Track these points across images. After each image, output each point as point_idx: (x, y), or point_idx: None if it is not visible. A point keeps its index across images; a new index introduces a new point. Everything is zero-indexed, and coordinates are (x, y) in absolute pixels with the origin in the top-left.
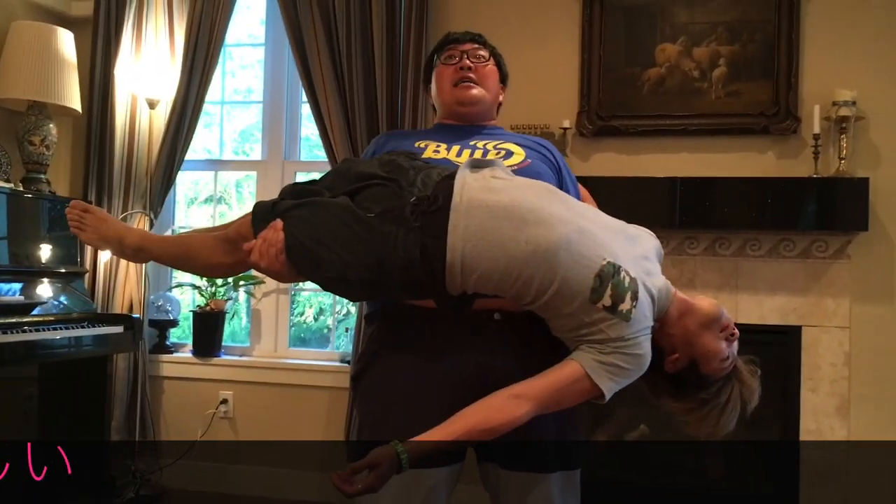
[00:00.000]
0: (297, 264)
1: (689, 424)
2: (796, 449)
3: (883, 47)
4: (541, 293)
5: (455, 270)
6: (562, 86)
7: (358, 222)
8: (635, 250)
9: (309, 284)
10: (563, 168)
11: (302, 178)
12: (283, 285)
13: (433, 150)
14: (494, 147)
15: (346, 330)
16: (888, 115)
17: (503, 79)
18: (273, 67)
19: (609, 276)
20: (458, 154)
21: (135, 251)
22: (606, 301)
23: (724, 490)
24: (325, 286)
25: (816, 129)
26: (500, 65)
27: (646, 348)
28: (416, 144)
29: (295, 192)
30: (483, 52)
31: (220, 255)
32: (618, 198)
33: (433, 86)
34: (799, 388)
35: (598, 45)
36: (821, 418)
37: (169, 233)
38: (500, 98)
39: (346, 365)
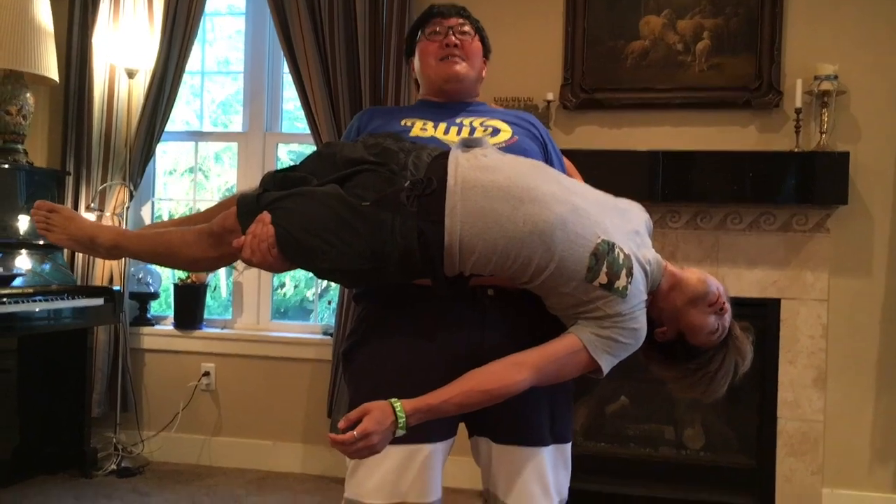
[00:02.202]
0: (290, 257)
1: (678, 390)
2: (774, 420)
3: (865, 22)
4: (538, 273)
5: (454, 253)
6: (545, 59)
7: (352, 211)
8: (627, 225)
9: None
10: (549, 142)
11: (284, 150)
12: None
13: (420, 129)
14: (481, 124)
15: (329, 303)
16: (869, 89)
17: (486, 53)
18: (254, 38)
19: (604, 253)
20: (446, 132)
21: (109, 250)
22: (602, 279)
23: (702, 460)
24: (320, 275)
25: (798, 104)
26: (483, 39)
27: (642, 322)
28: (402, 122)
29: (278, 181)
30: (468, 28)
31: (204, 249)
32: (601, 171)
33: (416, 60)
34: (777, 360)
35: (583, 17)
36: (798, 390)
37: (149, 204)
38: (483, 73)
39: (329, 338)
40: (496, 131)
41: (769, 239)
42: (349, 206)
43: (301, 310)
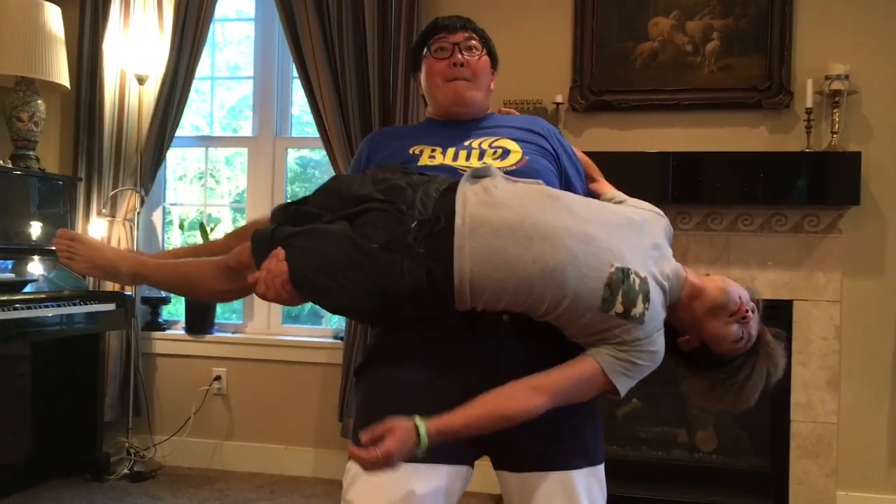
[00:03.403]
0: (304, 293)
1: (707, 402)
2: (787, 422)
3: (876, 21)
4: (552, 308)
5: (464, 292)
6: (554, 61)
7: (361, 253)
8: (643, 241)
9: None
10: (561, 150)
11: (293, 154)
12: None
13: (428, 157)
14: (490, 146)
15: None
16: (880, 89)
17: (494, 64)
18: (263, 43)
19: (619, 282)
20: (455, 157)
21: (131, 278)
22: (618, 308)
23: (715, 463)
24: (335, 313)
25: (809, 104)
26: (490, 50)
27: (660, 344)
28: (411, 151)
29: (289, 216)
30: (475, 43)
31: (222, 283)
32: (610, 173)
33: (423, 77)
34: (790, 362)
35: (591, 19)
36: (811, 392)
37: (160, 210)
38: (492, 86)
39: (339, 342)
40: (506, 153)
41: (781, 240)
42: (359, 247)
43: (312, 314)
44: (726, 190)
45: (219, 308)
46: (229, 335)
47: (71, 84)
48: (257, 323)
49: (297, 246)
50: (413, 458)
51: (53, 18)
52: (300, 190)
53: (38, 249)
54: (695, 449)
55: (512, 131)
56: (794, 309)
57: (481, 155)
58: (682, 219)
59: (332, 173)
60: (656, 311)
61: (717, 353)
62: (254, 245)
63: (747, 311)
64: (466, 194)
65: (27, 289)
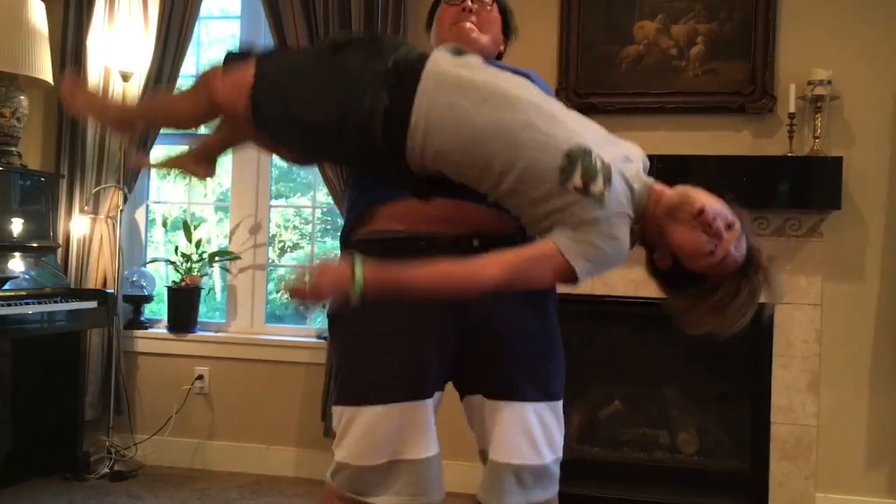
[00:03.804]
0: (260, 100)
1: (690, 324)
2: (768, 424)
3: (858, 27)
4: (503, 175)
5: (417, 135)
6: (541, 63)
7: (332, 63)
8: (615, 149)
9: (285, 260)
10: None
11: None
12: (258, 260)
13: None
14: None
15: (324, 307)
16: (862, 94)
17: (507, 31)
18: (249, 41)
19: (579, 155)
20: None
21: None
22: (577, 182)
23: (696, 464)
24: (278, 130)
25: (792, 108)
26: (505, 13)
27: (623, 233)
28: None
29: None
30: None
31: (192, 103)
32: None
33: (433, 28)
34: (771, 365)
35: (577, 22)
36: (792, 394)
37: (143, 208)
38: (502, 48)
39: (323, 341)
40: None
41: (763, 243)
42: (333, 58)
43: (295, 314)
44: (709, 193)
45: (202, 307)
46: (212, 334)
47: (54, 80)
48: (240, 322)
49: (271, 54)
50: (349, 300)
51: (37, 14)
52: (284, 189)
53: (20, 246)
54: (676, 451)
55: (504, 67)
56: (775, 312)
57: None
58: None
59: (317, 172)
60: (618, 199)
61: (693, 270)
62: (228, 56)
63: (712, 218)
64: (440, 54)
65: (8, 286)
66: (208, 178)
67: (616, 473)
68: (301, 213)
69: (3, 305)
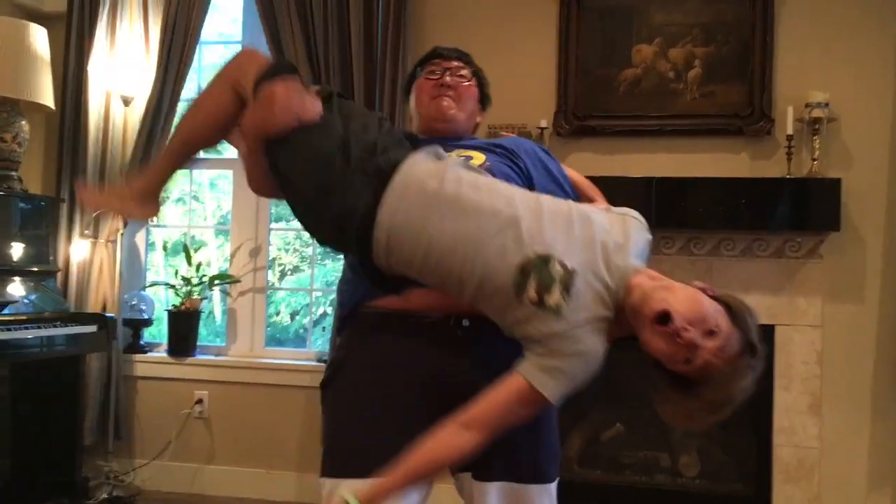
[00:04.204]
0: (276, 153)
1: (666, 416)
2: (770, 446)
3: (856, 49)
4: (462, 285)
5: (381, 245)
6: (539, 86)
7: (342, 156)
8: (592, 236)
9: (285, 283)
10: (535, 165)
11: None
12: (258, 283)
13: None
14: (456, 155)
15: (323, 329)
16: (860, 116)
17: (483, 101)
18: None
19: (532, 267)
20: None
21: (143, 201)
22: (531, 295)
23: (698, 488)
24: (277, 177)
25: (790, 131)
26: (481, 86)
27: (589, 343)
28: None
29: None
30: (465, 72)
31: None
32: None
33: (412, 98)
34: (772, 387)
35: (575, 45)
36: (793, 416)
37: (143, 232)
38: (478, 120)
39: (323, 364)
40: (468, 159)
41: (762, 265)
42: (347, 148)
43: (296, 337)
44: (708, 215)
45: (202, 330)
46: (212, 357)
47: (56, 105)
48: (240, 345)
49: (339, 101)
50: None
51: (39, 39)
52: (285, 212)
53: (20, 271)
54: (678, 474)
55: (484, 147)
56: (775, 334)
57: None
58: (664, 243)
59: None
60: (580, 306)
61: (682, 374)
62: (279, 64)
63: (680, 328)
64: (415, 162)
65: (7, 310)
66: (151, 219)
67: (618, 497)
68: (301, 236)
69: (2, 330)
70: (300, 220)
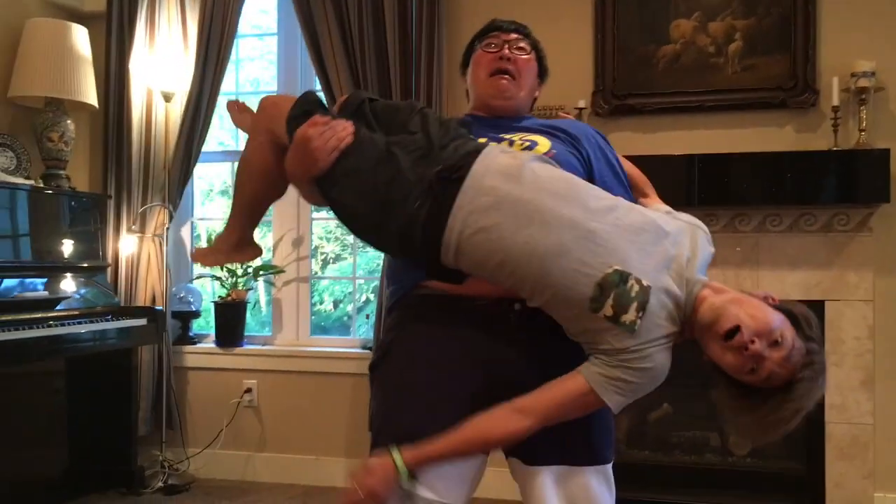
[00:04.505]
0: (323, 185)
1: (730, 426)
2: (822, 423)
3: None
4: (535, 294)
5: (451, 251)
6: (576, 66)
7: (387, 165)
8: (664, 250)
9: (328, 272)
10: (596, 154)
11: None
12: (302, 273)
13: None
14: (520, 139)
15: (367, 317)
16: None
17: (542, 74)
18: (286, 58)
19: (612, 285)
20: None
21: (236, 246)
22: (608, 311)
23: (749, 467)
24: (334, 206)
25: (835, 102)
26: (540, 59)
27: (658, 360)
28: None
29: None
30: (525, 45)
31: (270, 154)
32: None
33: (470, 71)
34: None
35: (612, 23)
36: (846, 393)
37: (188, 225)
38: (536, 94)
39: (368, 351)
40: (533, 144)
41: (811, 240)
42: (389, 160)
43: (340, 325)
44: (753, 191)
45: (248, 320)
46: (259, 347)
47: (99, 103)
48: (286, 335)
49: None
50: (400, 487)
51: (81, 39)
52: None
53: (71, 267)
54: (728, 453)
55: (546, 130)
56: (825, 309)
57: (510, 146)
58: (709, 221)
59: None
60: (653, 323)
61: (743, 382)
62: (303, 102)
63: (748, 340)
64: (488, 157)
65: (60, 306)
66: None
67: (667, 477)
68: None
69: (56, 325)
70: (362, 239)
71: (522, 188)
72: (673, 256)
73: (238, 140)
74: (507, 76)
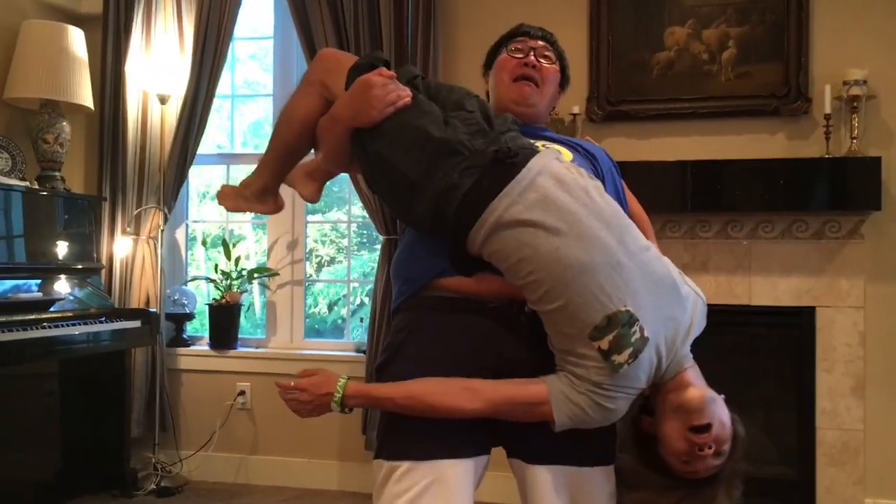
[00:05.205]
0: (383, 122)
1: (627, 492)
2: (813, 429)
3: (892, 25)
4: (544, 300)
5: (482, 231)
6: (571, 72)
7: (442, 130)
8: (671, 310)
9: (322, 275)
10: (608, 178)
11: None
12: (296, 276)
13: None
14: (543, 146)
15: (361, 320)
16: None
17: (563, 83)
18: (282, 60)
19: (620, 323)
20: None
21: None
22: (604, 345)
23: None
24: (369, 161)
25: (828, 109)
26: (564, 69)
27: (619, 406)
28: None
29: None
30: (550, 54)
31: (317, 106)
32: (629, 183)
33: (493, 74)
34: (814, 369)
35: (607, 30)
36: (836, 399)
37: (183, 227)
38: (556, 102)
39: (362, 355)
40: (559, 154)
41: (802, 246)
42: (447, 125)
43: (334, 328)
44: (746, 197)
45: (243, 323)
46: (253, 350)
47: (95, 105)
48: (280, 337)
49: (418, 89)
50: (326, 409)
51: (76, 41)
52: (320, 204)
53: (65, 269)
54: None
55: (567, 144)
56: (817, 315)
57: None
58: (701, 227)
59: (352, 189)
60: (636, 375)
61: (662, 457)
62: (379, 60)
63: (707, 444)
64: (548, 159)
65: (54, 308)
66: (312, 203)
67: None
68: (337, 227)
69: (50, 327)
70: (388, 200)
71: (570, 198)
72: (678, 322)
73: (234, 141)
74: (530, 83)
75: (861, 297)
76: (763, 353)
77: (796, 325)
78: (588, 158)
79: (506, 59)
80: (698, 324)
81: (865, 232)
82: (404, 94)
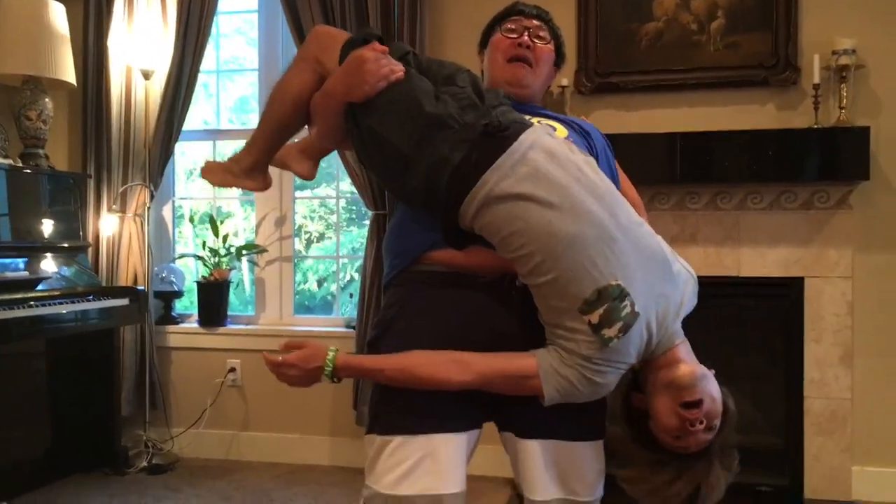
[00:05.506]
0: (359, 109)
1: (627, 484)
2: (801, 399)
3: None
4: (535, 274)
5: (474, 203)
6: None
7: (431, 104)
8: (662, 286)
9: (311, 251)
10: (602, 156)
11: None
12: (285, 252)
13: None
14: (538, 122)
15: (351, 296)
16: (888, 62)
17: (559, 62)
18: (267, 35)
19: (610, 297)
20: None
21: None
22: (594, 318)
23: None
24: (361, 143)
25: (816, 79)
26: (559, 47)
27: (608, 380)
28: None
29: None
30: (545, 34)
31: (311, 82)
32: (618, 155)
33: (487, 53)
34: (802, 339)
35: (595, 1)
36: (825, 368)
37: (169, 204)
38: (550, 81)
39: (352, 330)
40: (552, 129)
41: (791, 217)
42: (441, 99)
43: (324, 304)
44: (735, 168)
45: (232, 300)
46: (242, 327)
47: (77, 81)
48: (270, 314)
49: (410, 64)
50: (317, 381)
51: (58, 16)
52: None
53: (51, 247)
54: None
55: (562, 119)
56: (805, 286)
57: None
58: (690, 198)
59: (341, 164)
60: (626, 349)
61: (654, 434)
62: (370, 35)
63: (698, 419)
64: (539, 133)
65: (41, 286)
66: (309, 180)
67: None
68: (326, 203)
69: (37, 306)
70: (381, 176)
71: (562, 172)
72: (668, 298)
73: (220, 118)
74: (524, 64)
75: (849, 267)
76: (751, 324)
77: (785, 296)
78: (583, 136)
79: (500, 38)
80: (689, 301)
81: (854, 202)
82: (397, 69)
